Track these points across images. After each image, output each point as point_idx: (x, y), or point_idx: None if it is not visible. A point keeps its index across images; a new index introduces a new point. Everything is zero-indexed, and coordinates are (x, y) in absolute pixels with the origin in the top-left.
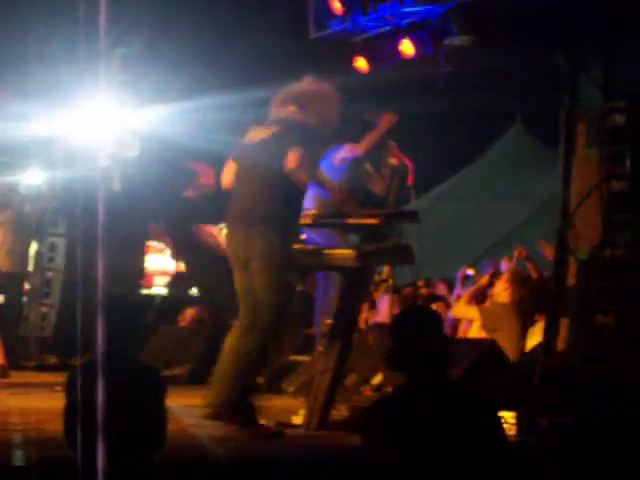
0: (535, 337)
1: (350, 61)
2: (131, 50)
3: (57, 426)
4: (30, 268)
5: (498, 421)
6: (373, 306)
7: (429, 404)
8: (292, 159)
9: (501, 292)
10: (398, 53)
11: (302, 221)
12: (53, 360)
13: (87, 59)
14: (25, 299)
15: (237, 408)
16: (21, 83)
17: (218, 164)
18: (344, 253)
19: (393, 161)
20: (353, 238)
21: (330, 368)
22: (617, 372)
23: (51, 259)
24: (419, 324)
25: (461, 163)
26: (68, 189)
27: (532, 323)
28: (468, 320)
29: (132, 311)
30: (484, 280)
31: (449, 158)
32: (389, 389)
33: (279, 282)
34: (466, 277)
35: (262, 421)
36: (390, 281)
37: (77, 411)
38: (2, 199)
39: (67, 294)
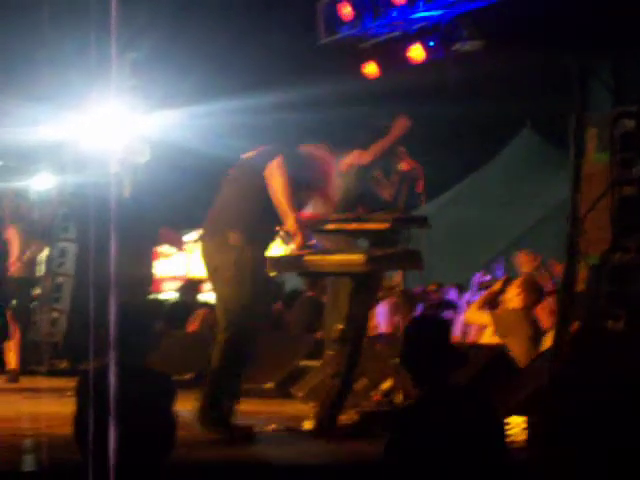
0: (549, 342)
1: (360, 66)
2: (141, 55)
3: (68, 431)
4: (40, 273)
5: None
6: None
7: (439, 413)
8: (273, 164)
9: (513, 298)
10: (408, 58)
11: (311, 227)
12: (63, 365)
13: (97, 64)
14: (35, 304)
15: (207, 413)
16: (31, 87)
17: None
18: (353, 258)
19: (403, 166)
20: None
21: (340, 373)
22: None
23: (61, 264)
24: (427, 333)
25: (471, 168)
26: (78, 194)
27: (545, 329)
28: (480, 325)
29: (142, 316)
30: (497, 286)
31: (459, 163)
32: (399, 394)
33: (246, 294)
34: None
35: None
36: (397, 287)
37: (87, 416)
38: (12, 204)
39: (77, 299)
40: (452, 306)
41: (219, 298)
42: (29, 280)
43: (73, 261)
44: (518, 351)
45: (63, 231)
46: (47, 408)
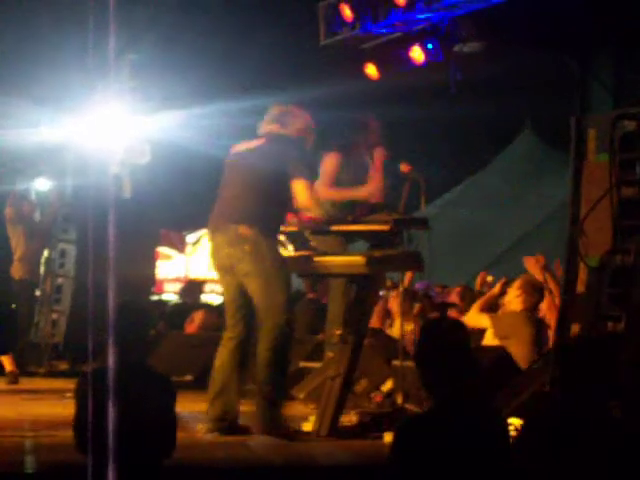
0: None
1: (360, 67)
2: (141, 57)
3: (67, 432)
4: (40, 274)
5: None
6: (388, 314)
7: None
8: (302, 195)
9: (513, 300)
10: (408, 59)
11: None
12: (63, 366)
13: (97, 66)
14: (36, 305)
15: (273, 419)
16: (32, 89)
17: None
18: (354, 260)
19: (403, 168)
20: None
21: (340, 374)
22: (628, 379)
23: (61, 265)
24: (448, 337)
25: (472, 169)
26: (79, 196)
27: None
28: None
29: (142, 318)
30: (496, 289)
31: (460, 164)
32: (399, 395)
33: (275, 282)
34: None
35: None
36: (401, 287)
37: (87, 417)
38: (14, 206)
39: (77, 301)
40: (454, 306)
41: (251, 294)
42: (31, 282)
43: (73, 262)
44: (519, 354)
45: (63, 232)
46: (47, 409)
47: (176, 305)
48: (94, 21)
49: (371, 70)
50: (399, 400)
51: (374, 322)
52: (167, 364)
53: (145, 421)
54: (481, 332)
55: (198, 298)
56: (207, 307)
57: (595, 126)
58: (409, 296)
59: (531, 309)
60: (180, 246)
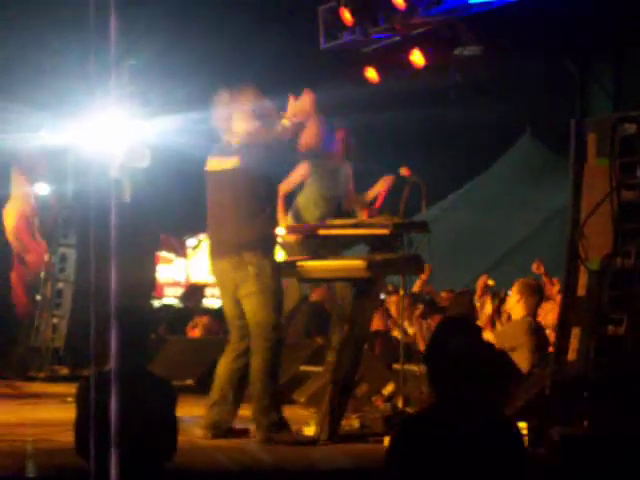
0: None
1: (360, 71)
2: (140, 61)
3: (68, 437)
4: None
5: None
6: (389, 315)
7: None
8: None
9: (514, 306)
10: (408, 63)
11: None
12: (64, 371)
13: (97, 71)
14: (36, 310)
15: (264, 426)
16: (32, 94)
17: None
18: (354, 264)
19: (404, 172)
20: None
21: (341, 378)
22: (629, 382)
23: (62, 270)
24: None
25: (472, 173)
26: (79, 200)
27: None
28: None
29: (143, 322)
30: (489, 309)
31: (460, 168)
32: (400, 399)
33: (274, 301)
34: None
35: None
36: (401, 291)
37: (88, 422)
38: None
39: (78, 305)
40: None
41: (247, 312)
42: (34, 286)
43: (73, 267)
44: (524, 362)
45: (63, 237)
46: (48, 414)
47: (177, 309)
48: (94, 27)
49: (371, 74)
50: (400, 404)
51: (376, 325)
52: (168, 368)
53: (146, 425)
54: None
55: (199, 302)
56: (210, 312)
57: (595, 130)
58: (410, 300)
59: (533, 312)
60: (180, 250)
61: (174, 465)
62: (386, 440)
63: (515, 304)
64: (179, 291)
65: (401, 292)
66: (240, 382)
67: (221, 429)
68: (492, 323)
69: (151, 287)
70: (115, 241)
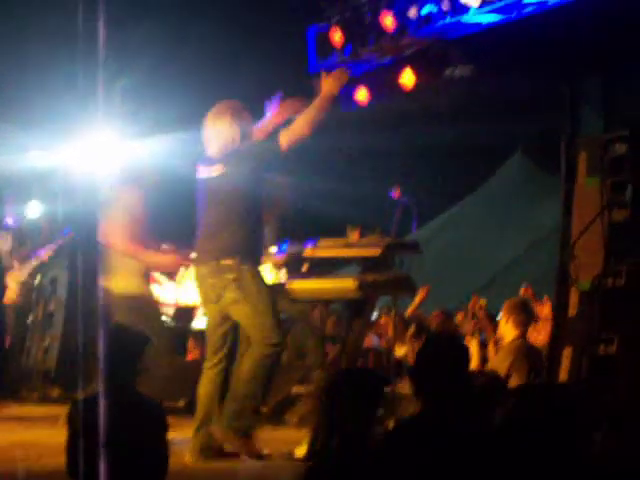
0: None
1: (351, 92)
2: (131, 81)
3: (59, 459)
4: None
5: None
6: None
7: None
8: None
9: (504, 328)
10: (399, 84)
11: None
12: (56, 392)
13: (87, 90)
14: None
15: (231, 422)
16: (21, 114)
17: None
18: (345, 284)
19: (395, 193)
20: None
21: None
22: (620, 402)
23: (53, 291)
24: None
25: (462, 193)
26: (69, 221)
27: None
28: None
29: (133, 344)
30: (474, 351)
31: (451, 188)
32: (391, 420)
33: (262, 307)
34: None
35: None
36: (393, 311)
37: (79, 444)
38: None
39: (69, 326)
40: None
41: (240, 320)
42: (24, 308)
43: (65, 288)
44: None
45: (54, 258)
46: (39, 436)
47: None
48: (84, 46)
49: (361, 95)
50: (390, 425)
51: (367, 342)
52: (158, 389)
53: (136, 447)
54: None
55: (190, 323)
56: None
57: (586, 149)
58: (402, 320)
59: (523, 330)
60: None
61: None
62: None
63: (505, 326)
64: (170, 311)
65: (392, 313)
66: (223, 399)
67: (211, 450)
68: (482, 362)
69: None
70: (103, 262)
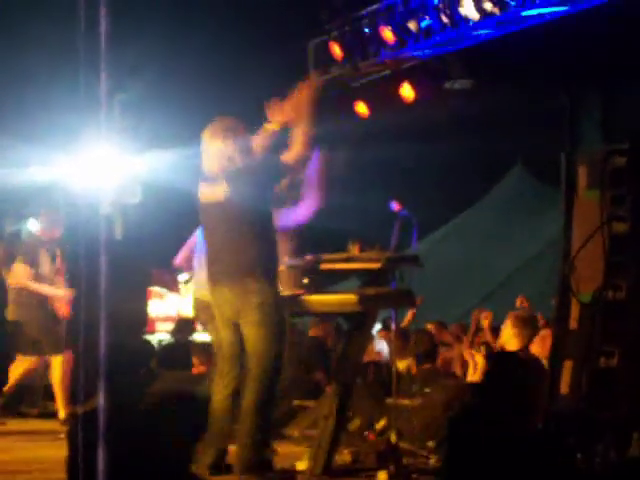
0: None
1: (350, 105)
2: (131, 96)
3: (60, 474)
4: None
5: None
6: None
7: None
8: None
9: (509, 340)
10: (398, 97)
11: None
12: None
13: (87, 105)
14: None
15: (251, 463)
16: (21, 128)
17: None
18: (346, 298)
19: (394, 206)
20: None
21: (333, 413)
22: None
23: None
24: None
25: (463, 205)
26: (69, 237)
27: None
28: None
29: (134, 358)
30: (474, 361)
31: (451, 201)
32: (393, 433)
33: (274, 332)
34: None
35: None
36: (392, 325)
37: (80, 459)
38: (5, 247)
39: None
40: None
41: (246, 340)
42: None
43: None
44: None
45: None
46: (40, 451)
47: (168, 344)
48: (84, 60)
49: (361, 108)
50: (393, 438)
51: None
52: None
53: (136, 462)
54: None
55: (189, 336)
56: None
57: (586, 162)
58: (402, 334)
59: (526, 344)
60: (172, 285)
61: None
62: (379, 474)
63: (510, 338)
64: (171, 326)
65: (392, 326)
66: (234, 416)
67: (220, 467)
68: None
69: (142, 323)
70: (105, 278)
